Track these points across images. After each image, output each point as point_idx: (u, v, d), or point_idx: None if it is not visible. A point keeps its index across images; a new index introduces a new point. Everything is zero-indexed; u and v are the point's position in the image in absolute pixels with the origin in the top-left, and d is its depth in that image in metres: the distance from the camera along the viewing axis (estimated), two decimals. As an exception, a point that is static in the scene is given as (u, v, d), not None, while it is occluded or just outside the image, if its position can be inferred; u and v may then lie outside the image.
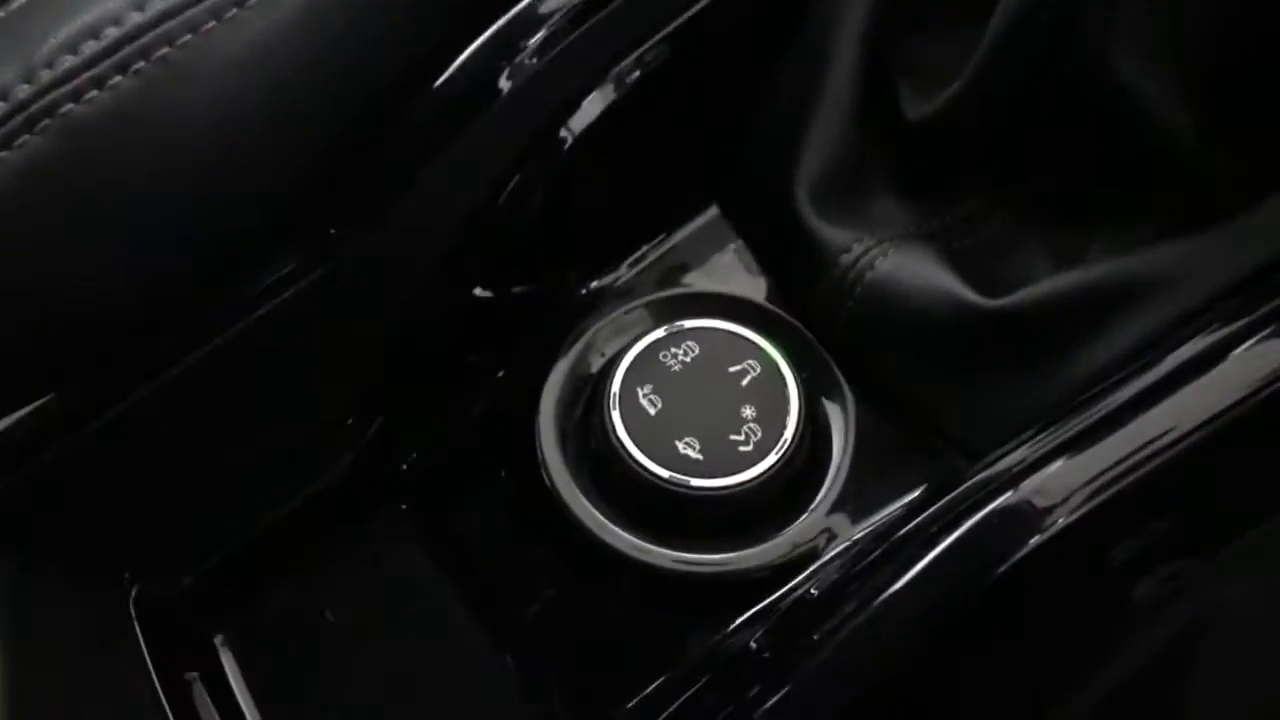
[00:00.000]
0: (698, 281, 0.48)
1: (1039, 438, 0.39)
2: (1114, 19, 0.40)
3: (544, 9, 0.43)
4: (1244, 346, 0.38)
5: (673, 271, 0.48)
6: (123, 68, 0.32)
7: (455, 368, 0.46)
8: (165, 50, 0.32)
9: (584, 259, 0.48)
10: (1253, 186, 0.41)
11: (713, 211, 0.48)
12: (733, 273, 0.48)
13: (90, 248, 0.32)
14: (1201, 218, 0.41)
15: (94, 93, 0.31)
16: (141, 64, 0.32)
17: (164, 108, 0.31)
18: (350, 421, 0.44)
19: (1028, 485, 0.37)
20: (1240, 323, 0.39)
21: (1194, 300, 0.40)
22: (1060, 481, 0.37)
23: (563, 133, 0.44)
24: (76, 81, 0.31)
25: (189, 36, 0.33)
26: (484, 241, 0.45)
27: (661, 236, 0.48)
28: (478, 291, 0.46)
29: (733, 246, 0.48)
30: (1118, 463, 0.38)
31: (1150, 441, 0.38)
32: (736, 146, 0.48)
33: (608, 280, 0.48)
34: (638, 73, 0.45)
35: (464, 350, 0.46)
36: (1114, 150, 0.43)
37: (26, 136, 0.31)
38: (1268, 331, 0.38)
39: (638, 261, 0.48)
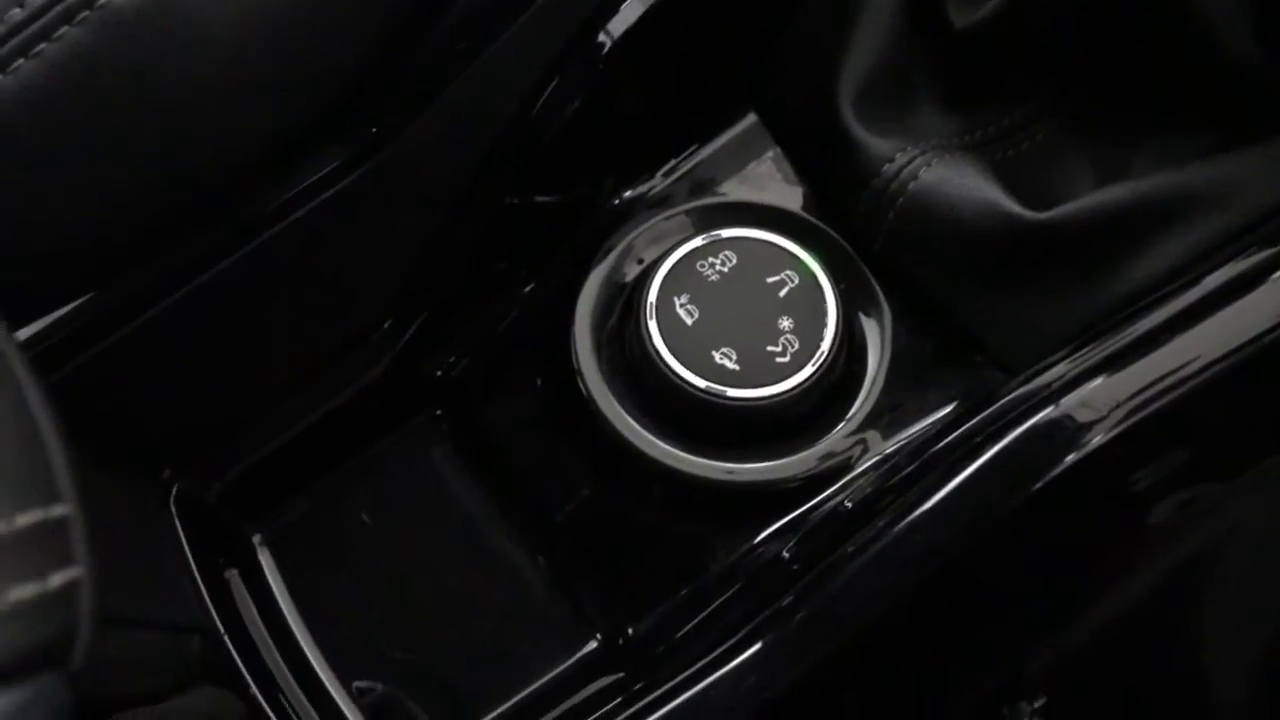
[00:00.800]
0: (733, 191, 0.47)
1: (1078, 354, 0.39)
2: None
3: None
4: None
5: (708, 181, 0.47)
6: (162, -42, 0.31)
7: (488, 274, 0.46)
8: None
9: (619, 167, 0.47)
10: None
11: (749, 119, 0.48)
12: (769, 182, 0.47)
13: (130, 142, 0.32)
14: (1249, 137, 0.41)
15: (134, -17, 0.30)
16: (181, -46, 0.31)
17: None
18: (387, 325, 0.44)
19: (1068, 400, 0.37)
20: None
21: (1237, 219, 0.40)
22: (1101, 397, 0.37)
23: (601, 36, 0.43)
24: (116, -29, 0.30)
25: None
26: (519, 147, 0.44)
27: (697, 145, 0.48)
28: (510, 198, 0.45)
29: (769, 155, 0.47)
30: (1157, 380, 0.37)
31: (1188, 362, 0.37)
32: (777, 52, 0.47)
33: (641, 189, 0.47)
34: (677, -25, 0.44)
35: (495, 256, 0.46)
36: (1166, 61, 0.42)
37: (65, 28, 0.31)
38: None
39: (672, 170, 0.47)
